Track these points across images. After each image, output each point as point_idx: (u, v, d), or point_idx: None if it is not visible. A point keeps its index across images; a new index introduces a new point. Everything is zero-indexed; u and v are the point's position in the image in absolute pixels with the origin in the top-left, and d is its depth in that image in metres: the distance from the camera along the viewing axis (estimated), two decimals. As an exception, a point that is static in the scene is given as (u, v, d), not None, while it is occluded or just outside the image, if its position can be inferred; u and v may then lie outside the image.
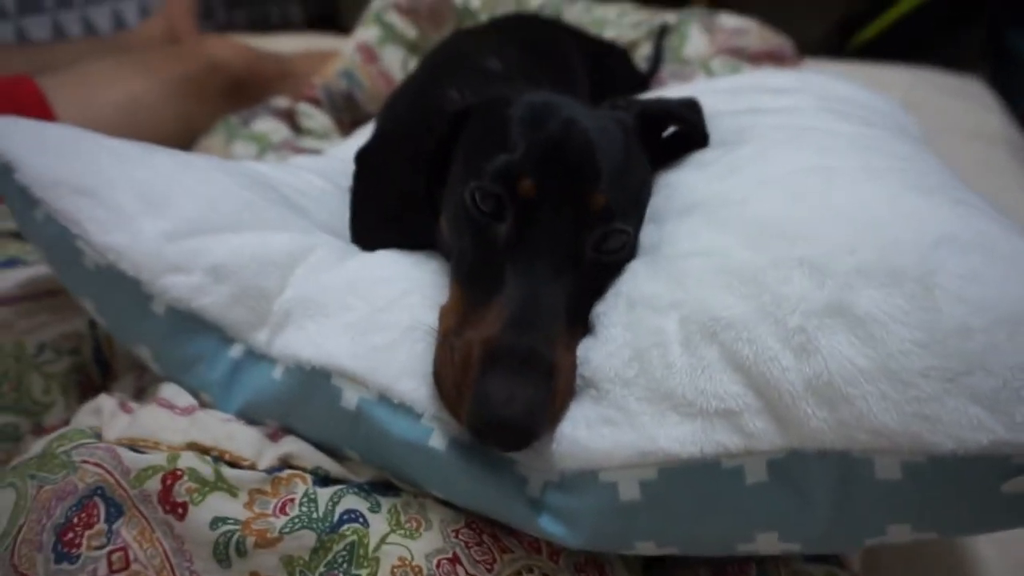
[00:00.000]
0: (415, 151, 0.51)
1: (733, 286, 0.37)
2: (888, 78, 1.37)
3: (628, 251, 0.45)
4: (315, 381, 0.42)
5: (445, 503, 0.41)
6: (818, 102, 0.61)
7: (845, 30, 2.26)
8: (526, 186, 0.42)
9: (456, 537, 0.39)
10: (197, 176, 0.52)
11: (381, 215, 0.53)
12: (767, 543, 0.35)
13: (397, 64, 1.25)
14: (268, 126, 1.08)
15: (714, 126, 0.54)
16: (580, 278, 0.42)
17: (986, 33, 2.26)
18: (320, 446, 0.43)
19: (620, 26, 1.42)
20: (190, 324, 0.46)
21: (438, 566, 0.38)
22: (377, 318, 0.44)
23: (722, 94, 0.68)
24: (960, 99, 1.30)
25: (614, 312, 0.41)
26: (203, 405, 0.46)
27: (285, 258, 0.48)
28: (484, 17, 1.40)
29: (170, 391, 0.46)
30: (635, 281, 0.42)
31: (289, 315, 0.45)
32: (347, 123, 1.18)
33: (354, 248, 0.53)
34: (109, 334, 0.58)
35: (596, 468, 0.36)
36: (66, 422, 0.54)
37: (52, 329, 0.57)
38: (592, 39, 1.10)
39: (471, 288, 0.41)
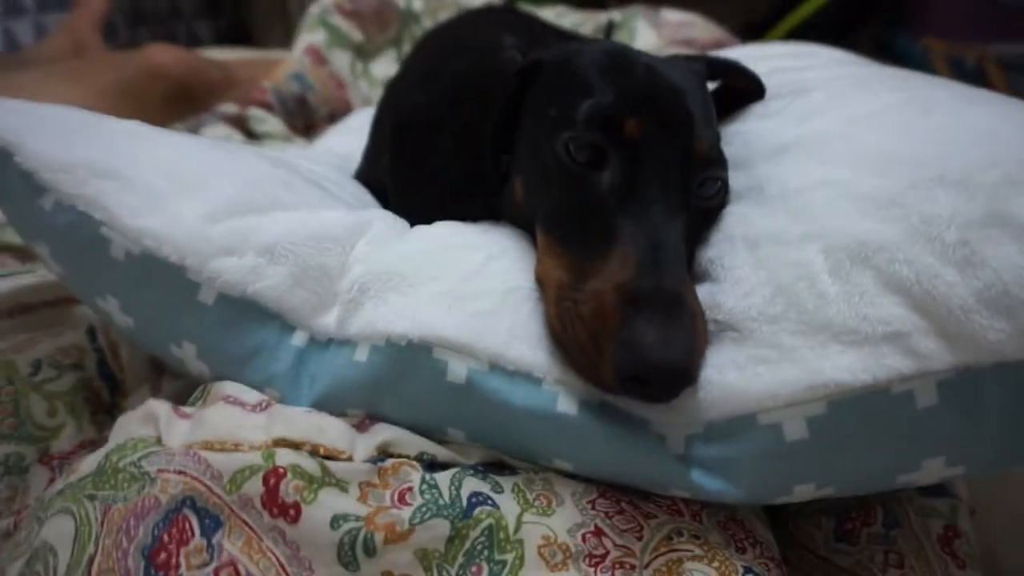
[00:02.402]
0: (471, 117, 0.47)
1: (871, 211, 0.36)
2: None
3: (723, 196, 0.43)
4: (413, 357, 0.38)
5: (570, 475, 0.38)
6: (836, 63, 0.62)
7: (748, 36, 2.38)
8: (632, 126, 0.39)
9: (593, 509, 0.36)
10: (225, 155, 0.46)
11: (433, 188, 0.49)
12: (931, 471, 0.34)
13: (346, 67, 1.20)
14: (219, 132, 1.00)
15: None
16: (686, 223, 0.40)
17: (876, 36, 2.44)
18: (414, 430, 0.39)
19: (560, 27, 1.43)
20: (246, 312, 0.40)
21: (583, 540, 0.35)
22: (469, 284, 0.40)
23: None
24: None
25: (732, 255, 0.39)
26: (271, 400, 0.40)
27: (344, 233, 0.43)
28: (428, 21, 1.38)
29: (233, 388, 0.40)
30: (748, 223, 0.40)
31: (366, 291, 0.40)
32: (300, 127, 1.12)
33: (406, 223, 0.48)
34: (114, 344, 0.50)
35: (754, 411, 0.34)
36: (82, 447, 0.46)
37: (46, 344, 0.49)
38: (563, 31, 1.09)
39: (578, 242, 0.39)
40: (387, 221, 0.46)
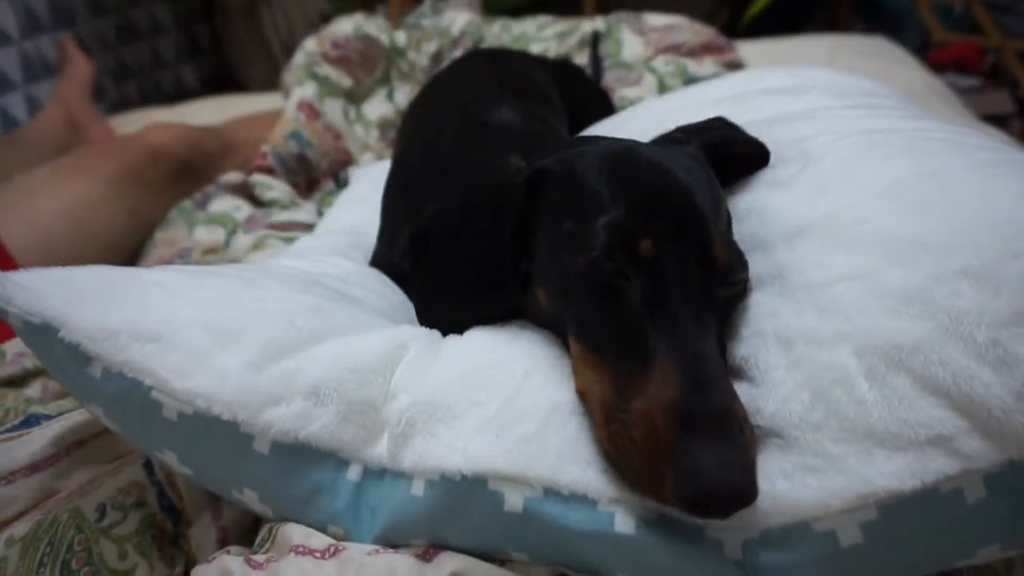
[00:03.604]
0: (486, 225, 0.48)
1: (899, 309, 0.37)
2: (811, 49, 1.44)
3: (745, 285, 0.44)
4: (469, 490, 0.39)
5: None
6: (836, 100, 0.62)
7: (734, 8, 2.36)
8: (646, 247, 0.40)
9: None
10: (255, 292, 0.47)
11: (454, 294, 0.50)
12: (988, 554, 0.35)
13: (339, 115, 1.21)
14: (227, 205, 1.02)
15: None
16: (717, 325, 0.41)
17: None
18: (476, 554, 0.41)
19: (544, 40, 1.42)
20: (301, 455, 0.42)
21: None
22: (512, 407, 0.41)
23: (727, 103, 0.68)
24: (881, 60, 1.37)
25: (766, 354, 0.40)
26: (335, 539, 0.42)
27: (381, 362, 0.45)
28: (413, 53, 1.38)
29: (299, 533, 0.41)
30: (778, 318, 0.41)
31: (413, 424, 0.42)
32: (303, 184, 1.13)
33: (436, 333, 0.50)
34: (171, 475, 0.52)
35: (807, 519, 0.36)
36: (158, 586, 0.48)
37: (107, 486, 0.51)
38: (548, 61, 1.09)
39: (614, 353, 0.40)
40: (422, 340, 0.47)
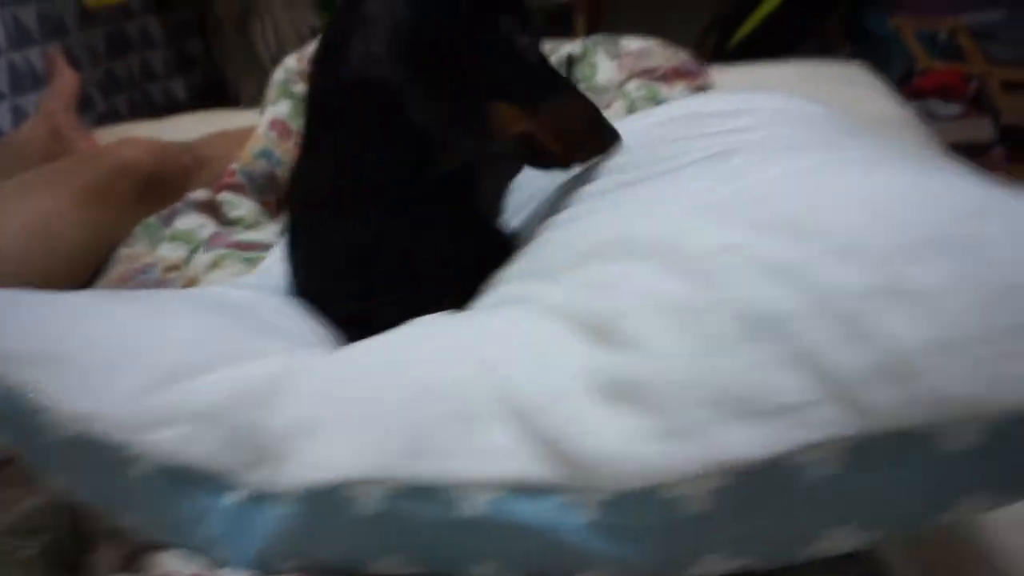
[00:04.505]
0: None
1: (775, 280, 0.38)
2: (779, 75, 1.45)
3: None
4: (327, 501, 0.41)
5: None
6: (771, 118, 0.63)
7: (721, 32, 2.38)
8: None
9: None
10: (163, 319, 0.49)
11: None
12: (846, 536, 0.36)
13: (313, 134, 1.22)
14: (193, 222, 1.03)
15: (680, 148, 0.57)
16: None
17: (847, 18, 2.44)
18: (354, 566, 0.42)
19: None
20: (183, 479, 0.43)
21: None
22: (370, 411, 0.43)
23: (674, 124, 0.70)
24: (851, 87, 1.38)
25: (641, 318, 0.41)
26: (214, 564, 0.42)
27: (269, 385, 0.45)
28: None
29: (171, 562, 0.42)
30: (656, 284, 0.42)
31: (289, 443, 0.43)
32: (272, 203, 1.14)
33: (339, 353, 0.50)
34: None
35: (659, 483, 0.36)
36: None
37: (16, 509, 0.51)
38: None
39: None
40: (313, 360, 0.48)
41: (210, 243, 0.96)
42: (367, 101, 0.56)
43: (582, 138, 0.60)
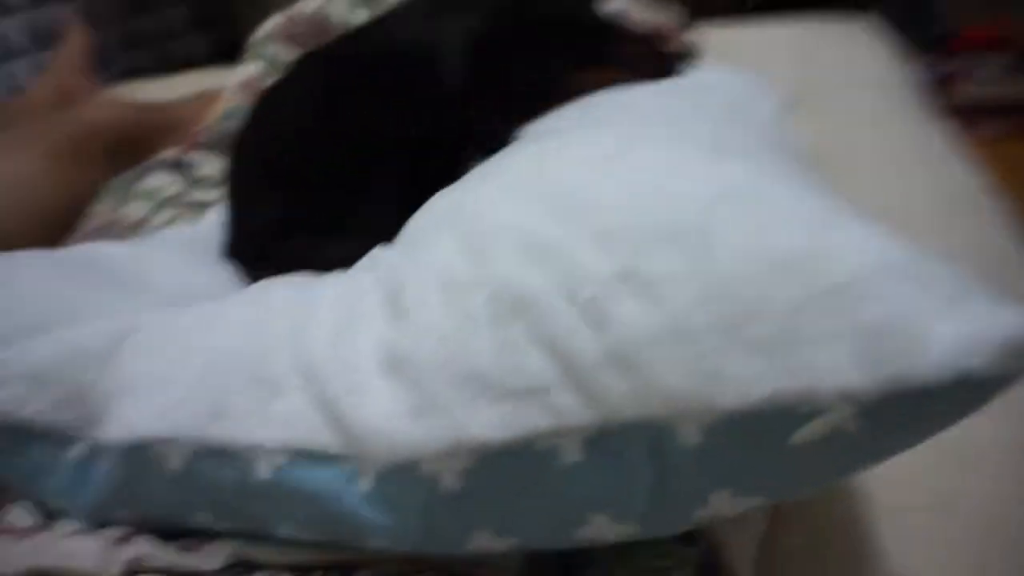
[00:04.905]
0: None
1: (536, 260, 0.38)
2: (777, 35, 1.38)
3: None
4: (140, 458, 0.43)
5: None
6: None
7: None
8: None
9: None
10: (11, 281, 0.51)
11: None
12: (602, 527, 0.36)
13: (286, 95, 1.23)
14: (160, 181, 1.06)
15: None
16: None
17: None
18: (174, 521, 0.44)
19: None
20: (21, 436, 0.46)
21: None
22: (180, 373, 0.44)
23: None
24: (849, 48, 1.31)
25: (418, 288, 0.41)
26: (58, 516, 0.45)
27: (105, 345, 0.47)
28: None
29: (14, 513, 0.45)
30: (440, 256, 0.42)
31: (109, 400, 0.45)
32: (243, 163, 1.16)
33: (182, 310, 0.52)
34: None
35: (417, 459, 0.37)
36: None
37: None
38: None
39: None
40: (157, 318, 0.50)
41: (169, 202, 0.99)
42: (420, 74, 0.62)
43: (651, 65, 0.65)
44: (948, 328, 0.29)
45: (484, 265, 0.40)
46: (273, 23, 1.32)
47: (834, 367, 0.30)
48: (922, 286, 0.31)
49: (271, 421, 0.41)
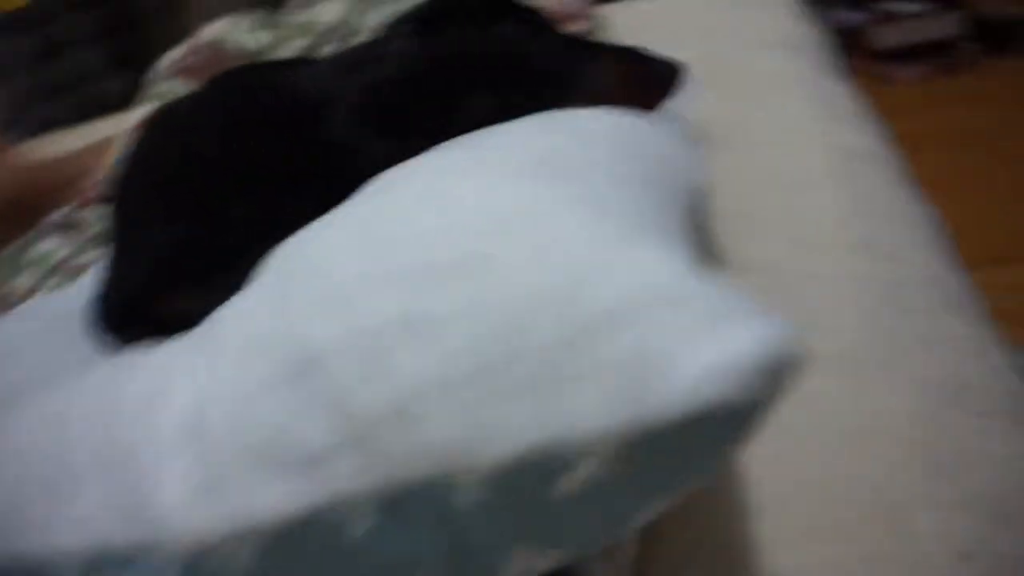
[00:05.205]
0: None
1: (328, 308, 0.35)
2: (684, 5, 1.36)
3: None
4: None
5: None
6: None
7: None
8: None
9: None
10: None
11: None
12: None
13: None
14: (51, 245, 1.02)
15: None
16: None
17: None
18: None
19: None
20: None
21: None
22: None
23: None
24: (758, 9, 1.29)
25: (229, 341, 0.38)
26: None
27: None
28: (276, 56, 1.34)
29: None
30: (252, 308, 0.39)
31: None
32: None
33: None
34: None
35: (207, 546, 0.34)
36: None
37: None
38: None
39: None
40: None
41: (59, 267, 0.95)
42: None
43: (639, 91, 0.55)
44: (697, 354, 0.27)
45: (283, 315, 0.36)
46: (169, 58, 1.28)
47: (585, 409, 0.28)
48: (679, 309, 0.28)
49: (70, 524, 0.38)
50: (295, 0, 1.50)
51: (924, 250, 0.67)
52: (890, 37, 1.85)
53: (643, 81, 0.56)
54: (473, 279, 0.32)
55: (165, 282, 0.59)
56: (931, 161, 1.42)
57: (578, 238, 0.33)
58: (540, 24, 0.58)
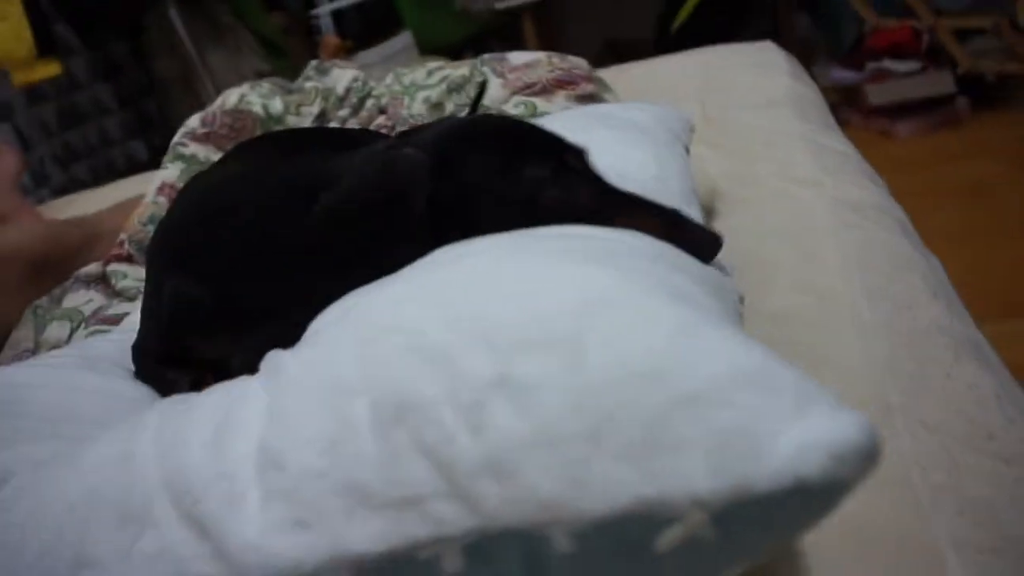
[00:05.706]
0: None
1: (421, 367, 0.37)
2: (687, 64, 1.41)
3: None
4: None
5: None
6: None
7: (664, 21, 2.33)
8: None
9: None
10: None
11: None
12: None
13: (207, 193, 1.23)
14: (80, 299, 1.05)
15: None
16: None
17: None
18: None
19: (434, 88, 1.42)
20: None
21: None
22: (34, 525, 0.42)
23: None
24: (754, 70, 1.34)
25: (296, 391, 0.40)
26: None
27: None
28: (293, 119, 1.39)
29: None
30: (331, 359, 0.41)
31: None
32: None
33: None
34: None
35: (299, 572, 0.35)
36: None
37: None
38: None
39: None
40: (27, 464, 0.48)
41: (91, 319, 0.98)
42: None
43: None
44: (790, 435, 0.30)
45: (370, 367, 0.39)
46: (191, 124, 1.33)
47: (688, 473, 0.30)
48: (769, 393, 0.31)
49: (139, 562, 0.39)
50: (309, 67, 1.55)
51: (935, 300, 0.69)
52: (885, 95, 1.92)
53: (681, 245, 0.52)
54: (566, 353, 0.35)
55: (199, 330, 0.62)
56: (934, 213, 1.45)
57: (663, 320, 0.36)
58: (580, 169, 0.56)
